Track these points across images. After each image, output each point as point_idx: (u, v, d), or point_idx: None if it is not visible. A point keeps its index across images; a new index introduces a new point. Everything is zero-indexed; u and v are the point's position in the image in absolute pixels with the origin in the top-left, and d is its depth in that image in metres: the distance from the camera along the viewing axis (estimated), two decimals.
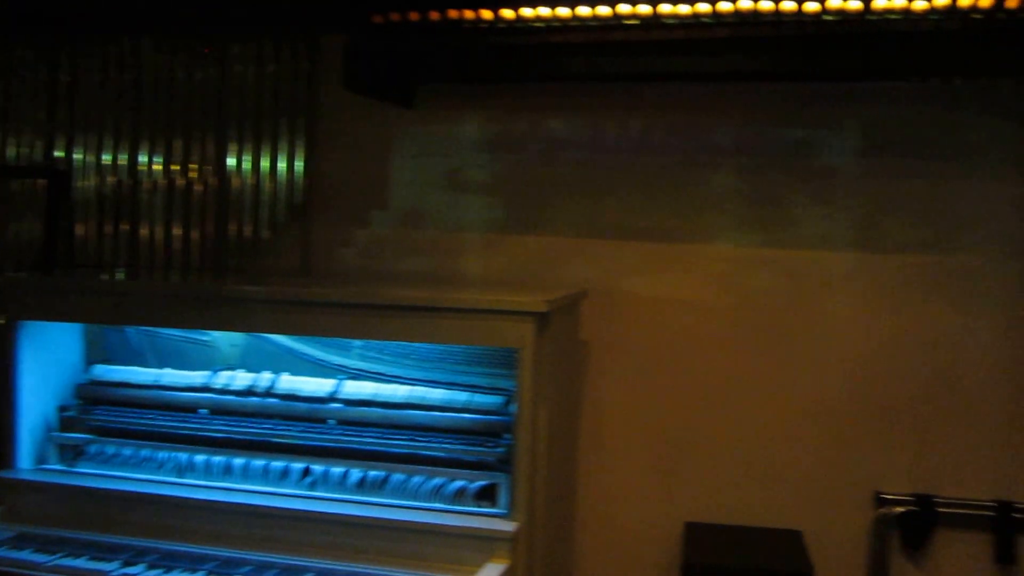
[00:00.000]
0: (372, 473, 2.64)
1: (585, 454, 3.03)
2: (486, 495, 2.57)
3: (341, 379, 2.75)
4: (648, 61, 2.60)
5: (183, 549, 2.57)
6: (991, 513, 2.81)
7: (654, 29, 2.55)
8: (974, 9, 2.38)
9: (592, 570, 3.03)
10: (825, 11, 2.44)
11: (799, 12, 2.45)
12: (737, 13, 2.49)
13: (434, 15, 2.66)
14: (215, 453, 2.75)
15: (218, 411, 2.78)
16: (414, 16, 2.68)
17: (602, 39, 2.59)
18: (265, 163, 3.08)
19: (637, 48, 2.58)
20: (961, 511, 2.82)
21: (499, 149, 3.08)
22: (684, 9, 2.50)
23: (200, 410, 2.79)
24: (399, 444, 2.65)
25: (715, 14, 2.50)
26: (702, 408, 2.96)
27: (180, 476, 2.76)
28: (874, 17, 2.43)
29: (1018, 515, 2.79)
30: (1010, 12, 2.37)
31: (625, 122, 3.00)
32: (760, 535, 2.87)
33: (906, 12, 2.42)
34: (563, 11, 2.57)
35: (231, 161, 3.09)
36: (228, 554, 2.55)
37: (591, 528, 3.03)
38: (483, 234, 3.10)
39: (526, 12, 2.59)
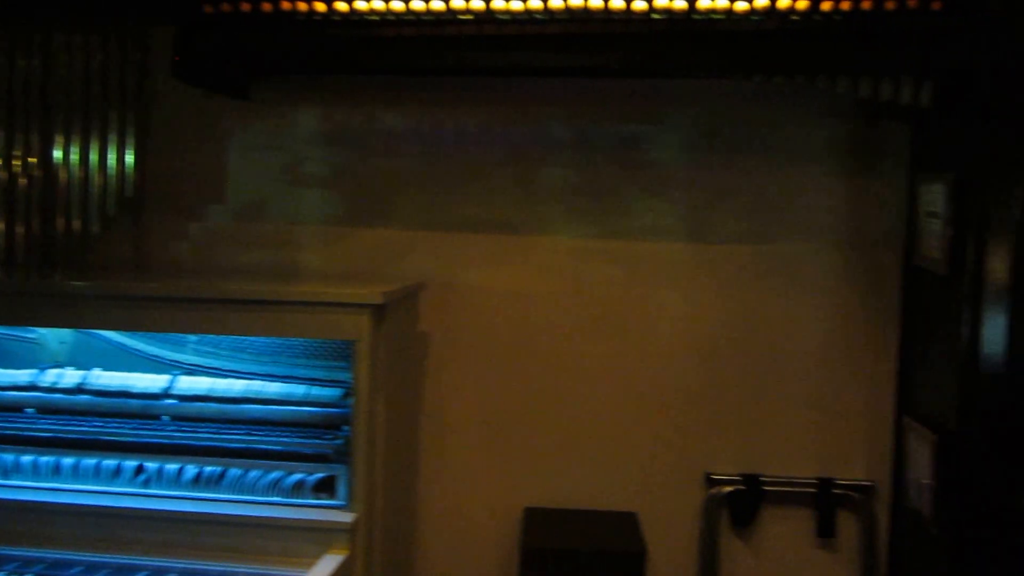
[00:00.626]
0: (208, 469, 2.61)
1: (426, 444, 3.05)
2: (325, 487, 2.57)
3: (176, 375, 2.70)
4: (483, 56, 2.62)
5: (9, 552, 2.49)
6: (813, 490, 2.96)
7: (487, 24, 2.57)
8: (792, 11, 2.49)
9: (434, 558, 3.06)
10: (652, 10, 2.51)
11: (627, 10, 2.52)
12: (568, 10, 2.53)
13: (267, 7, 2.62)
14: (43, 453, 2.66)
15: (46, 410, 2.69)
16: (246, 7, 2.64)
17: (436, 33, 2.60)
18: (94, 156, 2.99)
19: (472, 43, 2.60)
20: (785, 489, 2.97)
21: (337, 142, 3.06)
22: (516, 5, 2.54)
23: (26, 409, 2.69)
24: (236, 439, 2.62)
25: (547, 11, 2.53)
26: (541, 396, 3.02)
27: (6, 478, 2.66)
28: (699, 17, 2.51)
29: (838, 491, 2.95)
30: (825, 14, 2.49)
31: (463, 116, 3.03)
32: (597, 518, 2.94)
33: (729, 12, 2.50)
34: (397, 5, 2.57)
35: (57, 154, 2.99)
36: (57, 556, 2.49)
37: (433, 516, 3.06)
38: (322, 227, 3.07)
39: (360, 5, 2.58)
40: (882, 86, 2.61)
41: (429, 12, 2.57)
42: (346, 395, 2.59)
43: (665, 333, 2.99)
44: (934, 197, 2.67)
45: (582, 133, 3.00)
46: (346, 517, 2.46)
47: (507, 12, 2.55)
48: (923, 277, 2.78)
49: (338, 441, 2.57)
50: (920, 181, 2.79)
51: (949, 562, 2.57)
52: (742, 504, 2.97)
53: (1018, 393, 2.48)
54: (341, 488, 2.54)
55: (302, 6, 2.60)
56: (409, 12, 2.57)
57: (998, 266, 2.46)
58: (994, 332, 2.47)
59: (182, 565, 2.46)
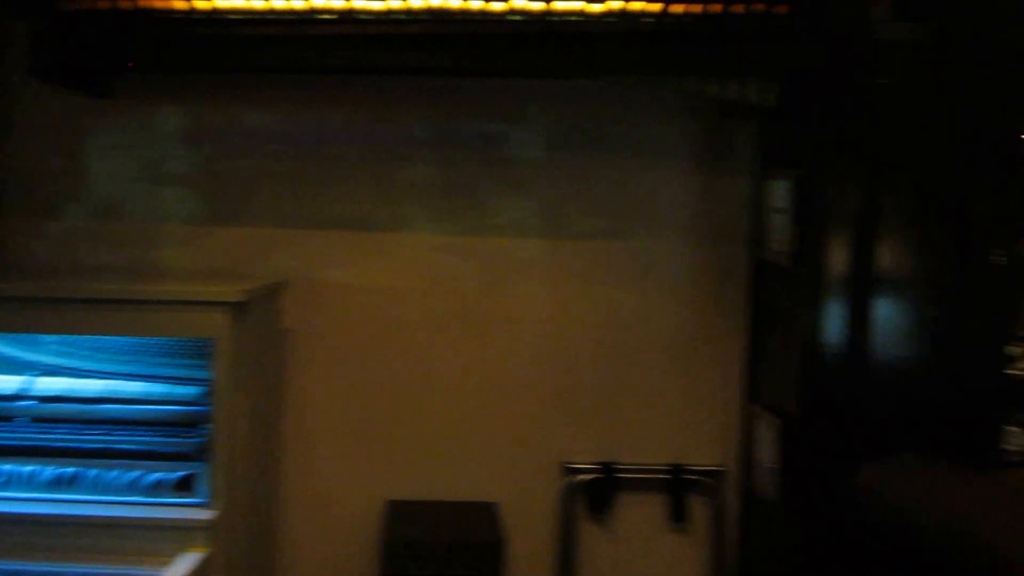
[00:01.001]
0: (66, 470, 2.58)
1: (289, 440, 3.07)
2: (186, 486, 2.57)
3: (33, 375, 2.67)
4: (344, 55, 2.63)
5: None
6: (666, 476, 3.08)
7: (348, 24, 2.59)
8: (644, 13, 2.57)
9: (297, 552, 3.08)
10: (512, 11, 2.57)
11: (485, 11, 2.56)
12: (429, 11, 2.56)
13: (125, 4, 2.59)
14: None
15: None
16: (104, 4, 2.60)
17: (297, 32, 2.60)
18: None
19: (333, 42, 2.61)
20: (640, 476, 3.07)
21: (200, 140, 3.03)
22: (378, 5, 2.56)
23: None
24: (95, 439, 2.59)
25: (408, 11, 2.56)
26: (404, 391, 3.06)
27: None
28: (555, 18, 2.57)
29: (689, 476, 3.08)
30: (675, 16, 2.58)
31: (326, 114, 3.03)
32: (458, 509, 3.01)
33: (584, 15, 2.57)
34: (258, 3, 2.57)
35: None
36: None
37: (296, 512, 3.07)
38: (185, 226, 3.04)
39: (221, 4, 2.58)
40: (730, 86, 2.72)
41: (291, 11, 2.57)
42: (206, 393, 2.58)
43: (524, 327, 3.06)
44: (780, 193, 2.80)
45: (442, 132, 3.04)
46: (206, 515, 2.47)
47: (368, 12, 2.57)
48: (770, 270, 2.91)
49: (199, 439, 2.57)
50: (767, 178, 2.91)
51: (793, 542, 2.70)
52: (599, 491, 3.07)
53: (856, 379, 2.62)
54: (202, 486, 2.55)
55: (161, 4, 2.57)
56: (271, 12, 2.57)
57: (838, 259, 2.59)
58: (834, 322, 2.60)
59: (39, 568, 2.43)
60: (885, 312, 2.59)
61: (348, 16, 2.59)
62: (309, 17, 2.59)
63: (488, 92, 3.02)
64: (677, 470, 3.07)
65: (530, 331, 3.06)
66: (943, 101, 2.57)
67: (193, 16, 2.59)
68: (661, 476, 3.07)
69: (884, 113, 2.58)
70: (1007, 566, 1.46)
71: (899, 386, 2.60)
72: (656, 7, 2.57)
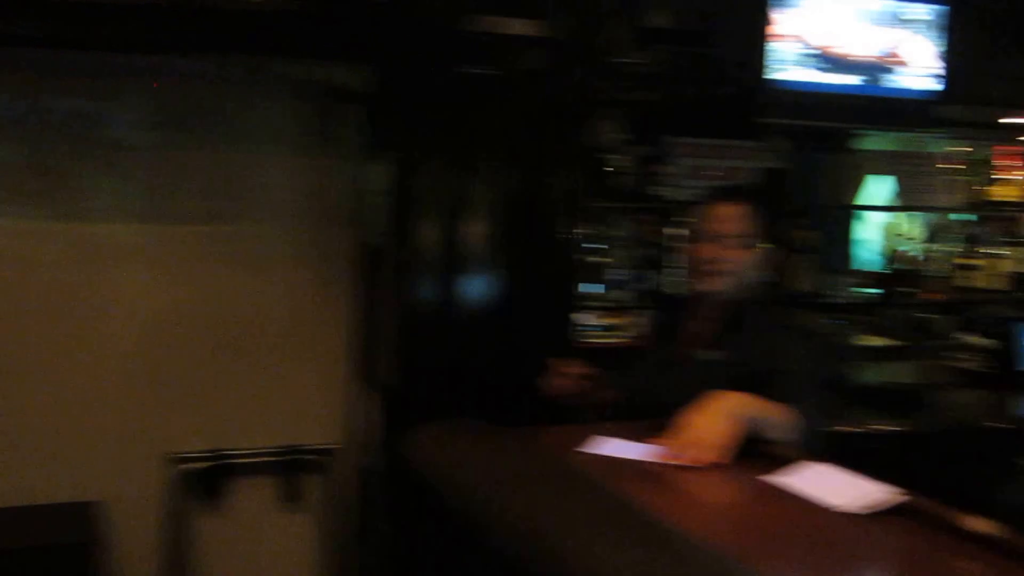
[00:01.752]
0: None
1: None
2: None
3: None
4: None
5: None
6: (280, 458, 3.06)
7: None
8: None
9: None
10: None
11: None
12: None
13: None
14: None
15: None
16: None
17: None
18: None
19: None
20: (252, 459, 3.03)
21: None
22: None
23: None
24: None
25: None
26: None
27: None
28: None
29: (305, 456, 3.08)
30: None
31: None
32: (48, 512, 2.80)
33: None
34: None
35: None
36: None
37: None
38: None
39: None
40: (335, 71, 2.81)
41: None
42: None
43: (124, 316, 2.91)
44: (382, 177, 2.86)
45: (28, 108, 2.79)
46: None
47: None
48: (373, 251, 2.96)
49: None
50: (371, 162, 2.95)
51: (400, 509, 2.81)
52: (210, 479, 2.99)
53: (445, 349, 2.80)
54: None
55: None
56: None
57: (429, 238, 2.75)
58: (426, 297, 2.77)
59: None
60: (470, 285, 2.79)
61: None
62: None
63: (83, 67, 2.80)
64: (290, 451, 3.06)
65: (131, 319, 2.92)
66: (527, 95, 2.78)
67: None
68: (274, 458, 3.05)
69: (473, 102, 2.75)
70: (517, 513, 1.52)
71: (481, 354, 2.80)
72: None
